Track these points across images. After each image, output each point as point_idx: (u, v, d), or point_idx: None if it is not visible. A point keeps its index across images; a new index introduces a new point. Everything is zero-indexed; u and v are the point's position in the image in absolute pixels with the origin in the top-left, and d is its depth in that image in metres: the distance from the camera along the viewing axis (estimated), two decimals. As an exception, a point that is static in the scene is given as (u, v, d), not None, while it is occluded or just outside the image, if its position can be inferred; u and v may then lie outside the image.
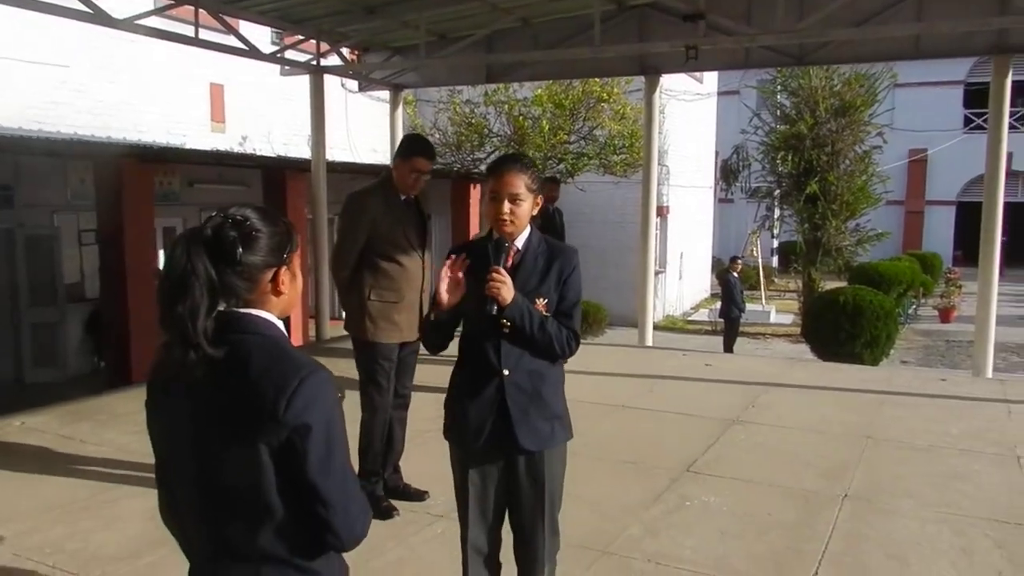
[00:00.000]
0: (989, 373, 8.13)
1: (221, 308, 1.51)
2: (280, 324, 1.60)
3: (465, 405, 2.67)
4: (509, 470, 2.70)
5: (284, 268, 1.58)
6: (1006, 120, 7.86)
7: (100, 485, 4.53)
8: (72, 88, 11.29)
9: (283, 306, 1.61)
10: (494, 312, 2.55)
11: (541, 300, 2.64)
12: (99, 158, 9.95)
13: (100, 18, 6.89)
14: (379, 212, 4.03)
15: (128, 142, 11.05)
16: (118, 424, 5.72)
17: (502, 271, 2.55)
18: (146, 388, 1.60)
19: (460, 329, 2.76)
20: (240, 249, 1.50)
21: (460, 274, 2.56)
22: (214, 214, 1.55)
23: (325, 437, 1.48)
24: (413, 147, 4.13)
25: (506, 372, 2.62)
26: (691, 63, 8.03)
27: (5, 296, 10.60)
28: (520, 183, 2.60)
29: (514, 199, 2.60)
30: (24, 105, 10.59)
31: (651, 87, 9.61)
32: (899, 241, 29.90)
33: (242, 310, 1.55)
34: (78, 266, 11.52)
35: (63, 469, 4.81)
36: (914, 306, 20.37)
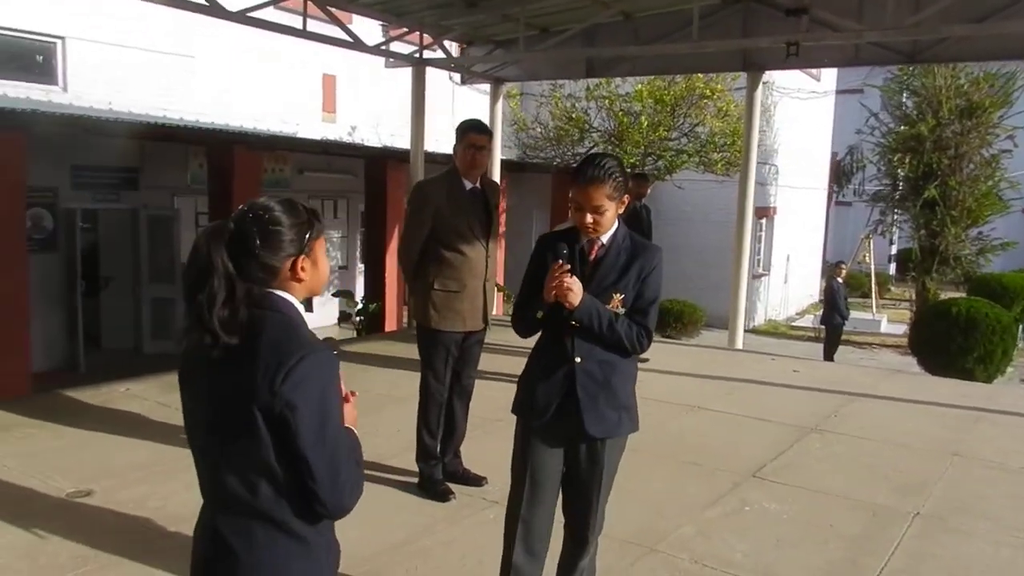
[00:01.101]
0: (1109, 397, 7.54)
1: (246, 288, 1.65)
2: (300, 306, 1.73)
3: (535, 385, 2.78)
4: (570, 453, 2.78)
5: (303, 256, 1.70)
6: None
7: (186, 451, 4.76)
8: (195, 77, 12.00)
9: (307, 289, 1.74)
10: (565, 315, 2.65)
11: (618, 296, 2.70)
12: (213, 144, 10.53)
13: (214, 10, 7.31)
14: (442, 202, 4.14)
15: (240, 129, 11.65)
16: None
17: (570, 275, 2.63)
18: (182, 356, 1.75)
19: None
20: (257, 242, 1.64)
21: (566, 278, 2.62)
22: (240, 208, 1.69)
23: (317, 413, 1.59)
24: (464, 125, 4.24)
25: (578, 360, 2.71)
26: (792, 59, 7.79)
27: (128, 272, 11.41)
28: (602, 196, 2.65)
29: (596, 210, 2.66)
30: (152, 92, 11.34)
31: (753, 84, 9.38)
32: (1033, 252, 27.95)
33: (267, 289, 1.68)
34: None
35: (155, 434, 5.17)
36: (1043, 322, 19.02)
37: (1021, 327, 14.44)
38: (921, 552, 3.82)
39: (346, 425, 1.74)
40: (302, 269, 1.70)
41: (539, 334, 2.85)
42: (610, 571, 3.46)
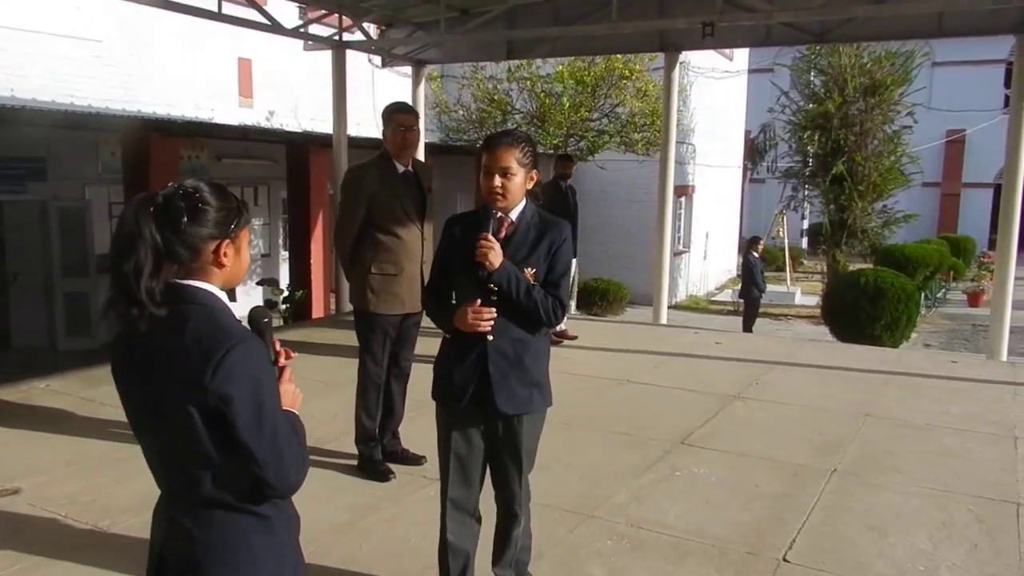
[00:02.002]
0: (1003, 356, 8.09)
1: (168, 279, 1.63)
2: (223, 295, 1.71)
3: (451, 368, 2.81)
4: (489, 431, 2.84)
5: (228, 241, 1.69)
6: (1028, 100, 7.74)
7: (115, 445, 4.74)
8: (104, 62, 11.54)
9: (226, 278, 1.71)
10: (484, 277, 2.68)
11: (530, 270, 2.75)
12: (127, 131, 10.19)
13: (124, -7, 7.07)
14: (376, 186, 4.16)
15: (155, 116, 11.29)
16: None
17: (490, 237, 2.68)
18: (111, 348, 1.73)
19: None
20: (185, 219, 1.62)
21: (486, 241, 2.67)
22: (170, 184, 1.68)
23: (252, 402, 1.59)
24: (391, 107, 4.28)
25: (491, 338, 2.74)
26: (708, 40, 8.01)
27: (39, 266, 10.95)
28: (511, 158, 2.71)
29: (505, 173, 2.71)
30: (56, 79, 10.86)
31: (670, 64, 9.61)
32: (934, 224, 29.44)
33: (185, 280, 1.66)
34: (109, 238, 11.85)
35: (81, 429, 5.04)
36: (943, 290, 20.13)
37: (924, 295, 15.27)
38: (838, 505, 4.07)
39: (287, 407, 1.77)
40: (225, 255, 1.68)
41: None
42: (551, 538, 3.59)
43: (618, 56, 14.00)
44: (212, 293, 1.68)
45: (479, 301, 2.70)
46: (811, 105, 16.99)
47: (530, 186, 2.80)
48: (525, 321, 2.77)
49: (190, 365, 1.57)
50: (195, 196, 1.65)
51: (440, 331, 2.88)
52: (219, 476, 1.63)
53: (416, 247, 4.29)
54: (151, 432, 1.68)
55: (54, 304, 11.01)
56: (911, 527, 3.82)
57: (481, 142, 15.96)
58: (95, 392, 5.84)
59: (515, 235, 2.78)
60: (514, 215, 2.79)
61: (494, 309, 2.69)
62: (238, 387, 1.57)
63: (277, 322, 11.88)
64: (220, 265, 1.69)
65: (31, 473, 4.30)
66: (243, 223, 1.73)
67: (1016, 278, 8.28)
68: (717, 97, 20.07)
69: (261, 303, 12.98)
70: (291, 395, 1.79)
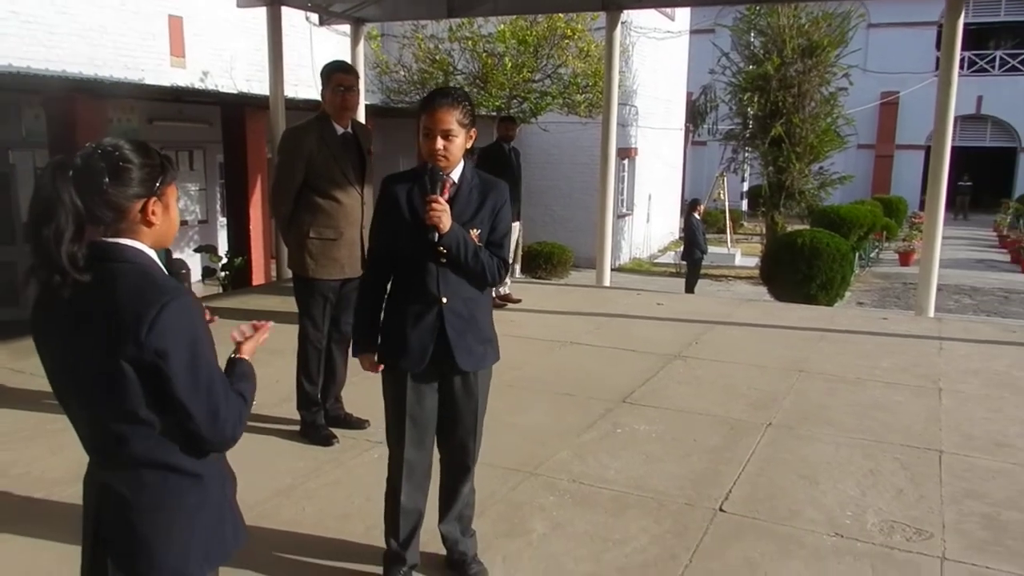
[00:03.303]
0: (931, 313, 8.40)
1: (94, 238, 1.61)
2: (152, 253, 1.69)
3: (406, 331, 2.81)
4: (445, 389, 2.89)
5: (155, 199, 1.66)
6: (956, 62, 7.94)
7: (48, 416, 4.63)
8: (22, 19, 11.00)
9: (156, 236, 1.69)
10: (434, 239, 2.68)
11: (475, 231, 2.78)
12: (50, 93, 9.79)
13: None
14: (314, 148, 4.10)
15: (81, 76, 10.86)
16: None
17: (441, 200, 2.69)
18: (31, 315, 1.70)
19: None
20: (107, 179, 1.59)
21: (438, 204, 2.67)
22: (88, 144, 1.64)
23: (188, 356, 1.59)
24: (330, 66, 4.23)
25: (445, 300, 2.78)
26: None
27: (-39, 234, 10.54)
28: (452, 119, 2.70)
29: (446, 135, 2.70)
30: (-28, 37, 10.36)
31: (612, 23, 9.57)
32: (868, 185, 30.24)
33: (112, 239, 1.64)
34: (35, 203, 11.44)
35: (12, 401, 4.91)
36: (876, 250, 20.75)
37: (858, 255, 15.72)
38: (773, 457, 4.22)
39: (243, 356, 1.78)
40: (152, 213, 1.66)
41: (396, 281, 2.87)
42: (494, 496, 3.66)
43: (560, 15, 13.92)
44: (141, 251, 1.66)
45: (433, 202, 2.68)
46: (751, 67, 17.20)
47: (469, 145, 2.80)
48: (472, 281, 2.81)
49: (124, 322, 1.55)
50: (115, 155, 1.61)
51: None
52: (151, 435, 1.62)
53: (356, 211, 4.25)
54: (79, 396, 1.66)
55: (-22, 274, 10.62)
56: (841, 475, 3.99)
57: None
58: (24, 363, 5.68)
59: (458, 196, 2.79)
60: (455, 175, 2.79)
61: (444, 202, 2.69)
62: (174, 342, 1.57)
63: (216, 290, 11.67)
64: (149, 224, 1.67)
65: (-41, 446, 4.19)
66: (169, 179, 1.70)
67: (944, 237, 8.57)
68: (659, 59, 20.16)
69: (200, 270, 12.74)
70: (250, 348, 1.87)
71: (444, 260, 2.74)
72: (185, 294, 1.63)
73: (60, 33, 11.39)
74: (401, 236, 2.78)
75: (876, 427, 4.66)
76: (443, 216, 2.67)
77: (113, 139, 1.65)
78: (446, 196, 2.74)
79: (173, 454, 1.66)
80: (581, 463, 4.12)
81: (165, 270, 1.70)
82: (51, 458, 4.06)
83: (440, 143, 2.70)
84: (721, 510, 3.62)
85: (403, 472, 2.89)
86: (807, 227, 15.64)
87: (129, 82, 11.18)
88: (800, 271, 12.38)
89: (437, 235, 2.68)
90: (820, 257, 12.37)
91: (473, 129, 2.80)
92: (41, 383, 5.18)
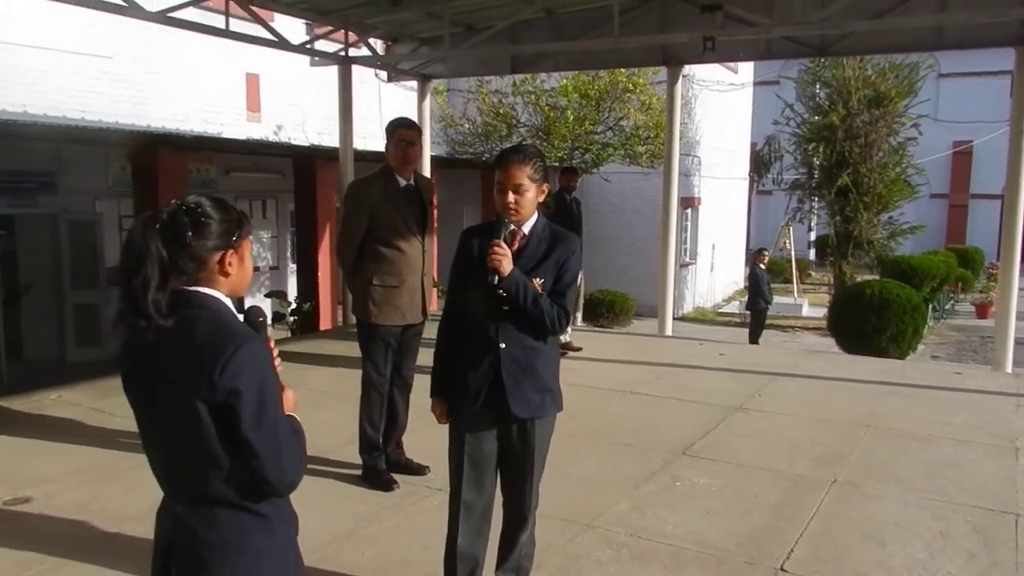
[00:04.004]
0: (1009, 368, 8.09)
1: (176, 286, 1.73)
2: (227, 301, 1.82)
3: (464, 373, 2.90)
4: (502, 435, 2.93)
5: (231, 252, 1.80)
6: (1029, 112, 7.78)
7: (124, 455, 4.82)
8: (114, 78, 11.70)
9: (231, 285, 1.82)
10: (494, 283, 2.77)
11: (538, 280, 2.85)
12: (136, 146, 10.33)
13: (134, 11, 7.19)
14: (378, 199, 4.25)
15: (164, 130, 11.44)
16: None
17: (503, 244, 2.79)
18: (120, 357, 1.82)
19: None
20: (190, 233, 1.73)
21: (499, 248, 2.77)
22: (173, 201, 1.78)
23: (256, 399, 1.69)
24: (394, 123, 4.39)
25: (503, 346, 2.84)
26: (709, 54, 8.10)
27: (49, 279, 11.09)
28: (523, 175, 2.82)
29: (517, 189, 2.82)
30: (68, 95, 11.03)
31: (673, 78, 9.68)
32: (942, 235, 29.40)
33: (192, 288, 1.77)
34: (119, 250, 11.99)
35: (91, 439, 5.12)
36: (952, 301, 20.09)
37: (931, 306, 15.27)
38: (838, 515, 4.11)
39: (288, 412, 1.85)
40: (229, 264, 1.79)
41: (462, 327, 2.95)
42: (551, 547, 3.64)
43: (622, 70, 14.10)
44: (218, 298, 1.79)
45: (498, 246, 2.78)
46: (816, 117, 17.05)
47: (541, 199, 2.91)
48: (531, 328, 2.87)
49: (200, 364, 1.66)
50: (197, 211, 1.75)
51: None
52: (223, 474, 1.71)
53: (417, 259, 4.37)
54: (158, 433, 1.77)
55: (64, 316, 11.13)
56: (909, 537, 3.86)
57: (487, 155, 16.12)
58: (105, 403, 5.92)
59: (527, 247, 2.89)
60: (526, 228, 2.89)
61: (505, 246, 2.78)
62: (245, 383, 1.67)
63: (284, 334, 11.98)
64: (225, 274, 1.80)
65: (42, 482, 4.38)
66: (244, 233, 1.83)
67: (1021, 288, 8.30)
68: (723, 110, 20.16)
69: (270, 315, 13.10)
70: (289, 400, 1.87)
71: (506, 306, 2.81)
72: (256, 338, 1.74)
73: (147, 91, 12.05)
74: (468, 283, 2.89)
75: (947, 487, 4.50)
76: (503, 260, 2.76)
77: (196, 196, 1.80)
78: (515, 247, 2.84)
79: (241, 495, 1.73)
80: (639, 516, 4.08)
81: (239, 316, 1.81)
82: (126, 496, 4.22)
83: (511, 197, 2.81)
84: (782, 570, 3.54)
85: (460, 513, 2.94)
86: (876, 277, 15.28)
87: (209, 136, 11.72)
88: (869, 322, 12.09)
89: (497, 278, 2.76)
90: (890, 308, 12.07)
91: (545, 184, 2.90)
92: (119, 422, 5.42)
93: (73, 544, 3.68)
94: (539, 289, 2.83)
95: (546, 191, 2.91)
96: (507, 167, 2.82)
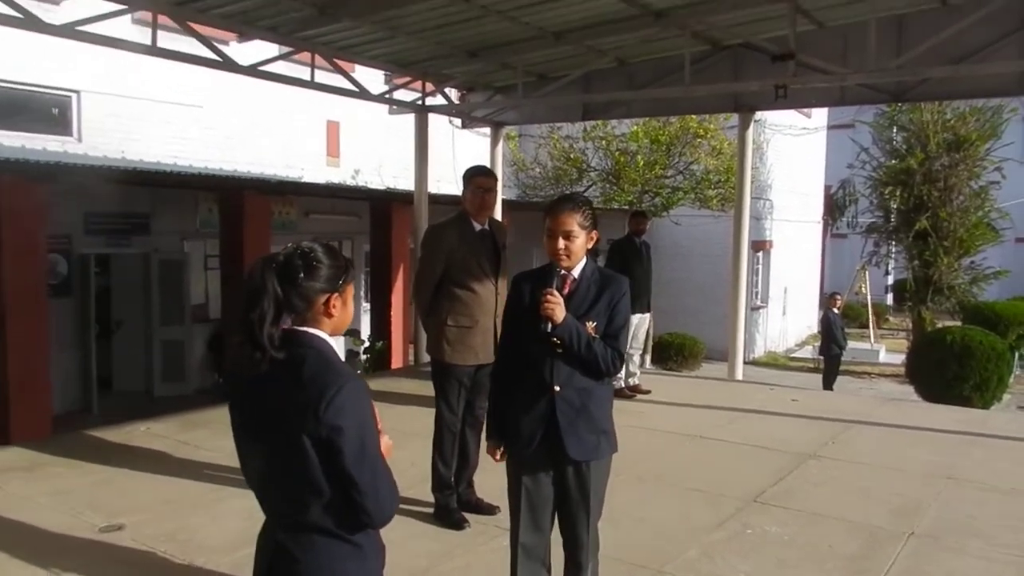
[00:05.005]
0: (1101, 420, 7.74)
1: (286, 325, 1.88)
2: (332, 341, 1.96)
3: (519, 416, 2.99)
4: (559, 478, 2.99)
5: (336, 295, 1.95)
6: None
7: (209, 486, 5.04)
8: (203, 125, 12.36)
9: (334, 325, 1.97)
10: (548, 330, 2.87)
11: (591, 323, 2.94)
12: (223, 189, 10.84)
13: (228, 65, 7.64)
14: (454, 243, 4.41)
15: (250, 175, 11.98)
16: (230, 432, 6.25)
17: (556, 293, 2.89)
18: (226, 381, 1.98)
19: None
20: (302, 275, 1.89)
21: (552, 297, 2.88)
22: (289, 245, 1.93)
23: (358, 435, 1.81)
24: (471, 171, 4.58)
25: (557, 388, 2.92)
26: (781, 101, 8.10)
27: (139, 315, 11.63)
28: (572, 222, 2.94)
29: (568, 236, 2.93)
30: (162, 141, 11.68)
31: (744, 124, 9.70)
32: (1028, 280, 28.20)
33: (301, 328, 1.92)
34: (203, 289, 12.52)
35: (179, 470, 5.36)
36: (1039, 349, 19.21)
37: (1016, 355, 14.65)
38: (916, 569, 4.00)
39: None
40: (334, 306, 1.93)
41: (517, 370, 3.04)
42: (620, 591, 3.65)
43: (693, 116, 14.16)
44: (324, 339, 1.93)
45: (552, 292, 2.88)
46: (892, 161, 16.71)
47: (591, 246, 3.01)
48: (586, 371, 2.94)
49: (307, 399, 1.80)
50: (310, 255, 1.91)
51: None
52: (323, 503, 1.83)
53: (490, 301, 4.49)
54: (263, 461, 1.90)
55: (152, 351, 11.63)
56: (991, 594, 3.74)
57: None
58: (191, 435, 6.19)
59: (577, 291, 2.98)
60: (576, 272, 2.99)
61: (558, 295, 2.88)
62: (348, 420, 1.80)
63: (358, 372, 12.24)
64: (329, 315, 1.94)
65: (133, 511, 4.61)
66: (350, 279, 1.98)
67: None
68: (796, 153, 19.96)
69: (344, 352, 13.43)
70: (386, 446, 1.98)
71: (559, 350, 2.90)
72: (358, 379, 1.88)
73: (234, 137, 12.66)
74: (522, 327, 2.98)
75: (1033, 543, 4.34)
76: (556, 308, 2.85)
77: (310, 243, 1.96)
78: (566, 291, 2.94)
79: (339, 523, 1.85)
80: (709, 563, 4.05)
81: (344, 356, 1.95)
82: (211, 526, 4.40)
83: (562, 243, 2.92)
84: (858, 621, 3.47)
85: (518, 556, 2.99)
86: (958, 323, 14.78)
87: (291, 180, 12.21)
88: (950, 370, 11.69)
89: (551, 326, 2.85)
90: (972, 356, 11.66)
91: (595, 231, 3.01)
92: (205, 455, 5.65)
93: (162, 571, 3.87)
94: (592, 333, 2.91)
95: (595, 238, 3.01)
96: (558, 215, 2.93)
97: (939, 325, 15.27)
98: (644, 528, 4.46)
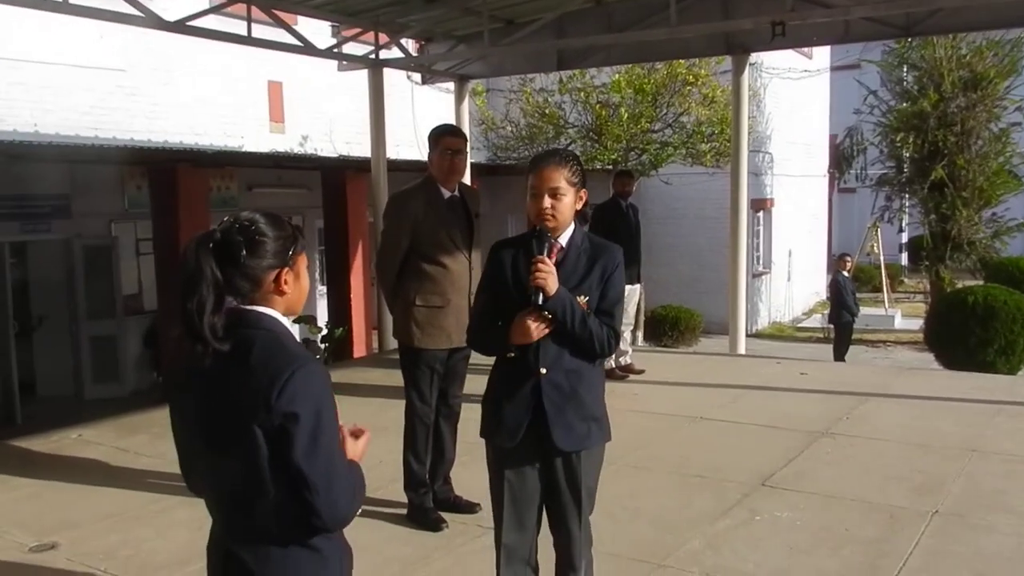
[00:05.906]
0: None
1: (232, 305, 1.86)
2: (285, 320, 1.95)
3: (501, 404, 2.95)
4: (546, 471, 2.97)
5: (287, 269, 1.93)
6: None
7: (152, 496, 5.02)
8: (127, 92, 12.13)
9: (287, 304, 1.95)
10: (539, 303, 2.81)
11: (583, 298, 2.89)
12: (153, 163, 10.70)
13: (151, 21, 7.52)
14: (421, 212, 4.37)
15: (182, 146, 11.83)
16: (172, 437, 6.25)
17: (548, 261, 2.83)
18: (165, 377, 1.96)
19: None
20: (244, 252, 1.86)
21: (543, 265, 2.81)
22: (226, 219, 1.90)
23: (312, 425, 1.79)
24: (438, 130, 4.52)
25: (543, 371, 2.89)
26: (778, 40, 8.12)
27: (65, 310, 11.50)
28: (560, 177, 2.88)
29: (554, 194, 2.87)
30: (80, 111, 11.48)
31: (739, 67, 9.73)
32: (1055, 232, 28.65)
33: (249, 307, 1.90)
34: (136, 277, 12.41)
35: (118, 480, 5.33)
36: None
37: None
38: (941, 550, 4.09)
39: (351, 458, 1.95)
40: (285, 282, 1.91)
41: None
42: (618, 589, 3.70)
43: (681, 61, 14.15)
44: (275, 318, 1.91)
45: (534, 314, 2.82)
46: (903, 104, 16.81)
47: (579, 206, 2.97)
48: (578, 351, 2.91)
49: (257, 386, 1.78)
50: (251, 229, 1.88)
51: (490, 366, 3.04)
52: (270, 505, 1.82)
53: (463, 277, 4.47)
54: (210, 459, 1.89)
55: (80, 349, 11.52)
56: None
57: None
58: (130, 441, 6.16)
59: (566, 261, 2.92)
60: (564, 239, 2.94)
61: (550, 263, 2.83)
62: (303, 407, 1.78)
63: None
64: (281, 292, 1.92)
65: (68, 527, 4.58)
66: (300, 248, 1.96)
67: None
68: (796, 100, 20.03)
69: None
70: (357, 447, 1.98)
71: (548, 328, 2.85)
72: (314, 361, 1.86)
73: (163, 104, 12.46)
74: (504, 303, 2.93)
75: (1067, 517, 4.44)
76: (549, 278, 2.79)
77: (250, 213, 1.93)
78: (554, 260, 2.88)
79: (292, 527, 1.84)
80: (715, 554, 4.11)
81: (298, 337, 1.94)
82: (156, 540, 4.39)
83: (548, 202, 2.86)
84: (879, 610, 3.54)
85: (501, 558, 3.00)
86: (980, 283, 14.99)
87: (229, 150, 12.08)
88: (973, 334, 11.87)
89: (543, 298, 2.80)
90: (997, 318, 11.84)
91: (583, 190, 2.96)
92: (146, 462, 5.63)
93: (104, 592, 3.86)
94: (584, 307, 2.88)
95: (584, 198, 2.97)
96: (543, 170, 2.87)
97: (959, 285, 15.48)
98: (643, 519, 4.51)
